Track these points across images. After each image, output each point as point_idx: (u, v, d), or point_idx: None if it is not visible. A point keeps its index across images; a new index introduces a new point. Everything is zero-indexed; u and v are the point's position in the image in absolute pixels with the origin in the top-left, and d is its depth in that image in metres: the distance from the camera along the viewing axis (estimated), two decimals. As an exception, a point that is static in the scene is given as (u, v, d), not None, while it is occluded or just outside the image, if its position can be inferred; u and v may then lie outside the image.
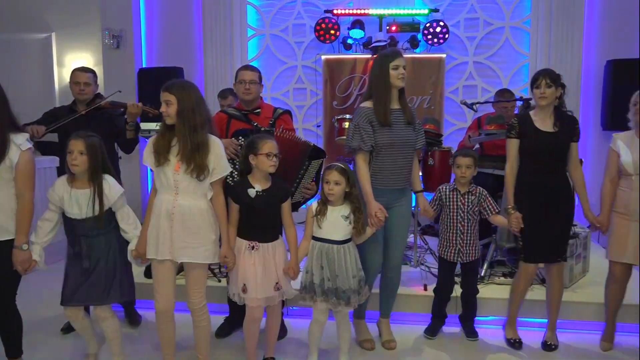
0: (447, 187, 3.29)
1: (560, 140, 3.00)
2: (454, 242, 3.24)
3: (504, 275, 3.84)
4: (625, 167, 2.97)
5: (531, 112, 3.11)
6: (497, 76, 5.89)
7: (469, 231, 3.22)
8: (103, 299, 2.68)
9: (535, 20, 5.75)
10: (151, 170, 2.67)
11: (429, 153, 4.10)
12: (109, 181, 2.67)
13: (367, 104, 2.95)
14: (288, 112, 3.38)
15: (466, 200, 3.21)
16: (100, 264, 2.65)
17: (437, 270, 3.93)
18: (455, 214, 3.23)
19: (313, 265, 2.80)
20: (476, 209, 3.22)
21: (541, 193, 3.02)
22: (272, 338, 2.95)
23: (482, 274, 3.79)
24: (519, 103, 4.04)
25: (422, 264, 4.18)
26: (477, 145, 4.50)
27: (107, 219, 2.65)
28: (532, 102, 3.85)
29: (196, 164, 2.51)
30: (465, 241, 3.22)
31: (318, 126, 5.99)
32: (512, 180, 3.09)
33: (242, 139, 3.04)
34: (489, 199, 3.22)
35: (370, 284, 3.07)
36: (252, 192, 2.67)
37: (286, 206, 2.78)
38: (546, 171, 3.02)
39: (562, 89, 3.03)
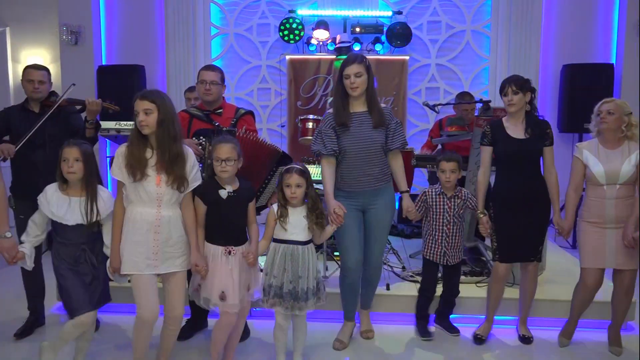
0: (434, 190, 3.32)
1: (531, 147, 3.06)
2: (440, 244, 3.28)
3: (464, 273, 3.91)
4: (596, 178, 2.99)
5: (503, 119, 3.17)
6: (459, 79, 6.00)
7: (455, 234, 3.28)
8: (106, 300, 2.78)
9: (495, 25, 5.89)
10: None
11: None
12: (102, 195, 2.69)
13: (332, 108, 3.01)
14: (250, 113, 3.36)
15: (452, 203, 3.26)
16: (100, 266, 2.70)
17: (400, 270, 4.01)
18: (441, 217, 3.27)
19: (275, 268, 2.78)
20: (462, 211, 3.28)
21: (517, 196, 3.08)
22: (235, 341, 2.92)
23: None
24: (479, 105, 4.12)
25: (385, 264, 4.22)
26: (440, 147, 4.59)
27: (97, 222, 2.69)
28: (492, 104, 3.97)
29: (176, 175, 2.51)
30: (450, 244, 3.27)
31: (282, 126, 5.98)
32: (484, 186, 3.18)
33: (203, 139, 3.01)
34: (474, 200, 3.28)
35: (352, 285, 3.13)
36: (223, 193, 2.65)
37: (251, 205, 2.79)
38: (521, 176, 3.09)
39: (532, 94, 3.08)
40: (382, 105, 3.07)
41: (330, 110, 3.02)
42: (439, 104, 4.40)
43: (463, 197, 3.27)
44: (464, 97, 4.57)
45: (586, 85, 5.43)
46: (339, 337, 3.25)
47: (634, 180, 2.95)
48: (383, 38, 5.79)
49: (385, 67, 5.78)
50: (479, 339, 3.28)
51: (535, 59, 5.75)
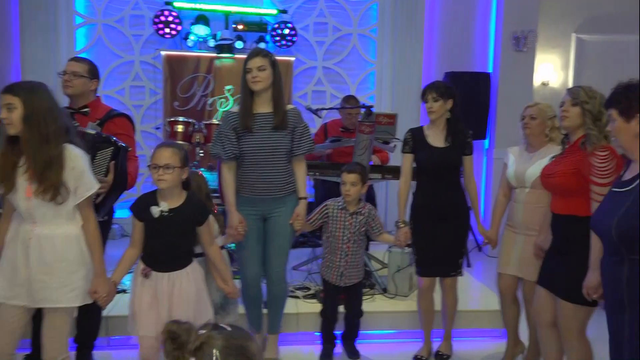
0: (336, 204, 3.02)
1: (451, 156, 2.95)
2: (337, 264, 2.99)
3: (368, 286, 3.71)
4: (508, 180, 2.93)
5: (424, 127, 3.03)
6: (345, 82, 5.88)
7: (355, 253, 3.00)
8: None
9: (381, 29, 5.84)
10: None
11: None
12: None
13: (235, 107, 2.84)
14: (125, 116, 2.91)
15: (354, 220, 2.98)
16: None
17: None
18: (341, 234, 2.98)
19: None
20: (363, 229, 3.01)
21: (436, 208, 2.95)
22: None
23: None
24: (362, 110, 3.96)
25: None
26: (326, 152, 4.39)
27: None
28: (374, 110, 3.83)
29: (49, 183, 2.02)
30: (349, 263, 2.99)
31: (157, 128, 5.45)
32: (405, 195, 3.04)
33: None
34: (377, 217, 3.05)
35: (254, 297, 2.93)
36: (155, 211, 2.27)
37: (205, 227, 2.42)
38: (440, 186, 2.96)
39: (454, 100, 2.93)
40: (290, 106, 2.85)
41: (233, 108, 2.83)
42: (322, 108, 4.21)
43: (366, 214, 3.01)
44: (349, 101, 4.41)
45: (467, 93, 5.52)
46: (269, 355, 2.99)
47: None
48: (268, 37, 5.52)
49: (270, 68, 5.49)
50: None
51: (419, 65, 5.78)
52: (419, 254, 3.04)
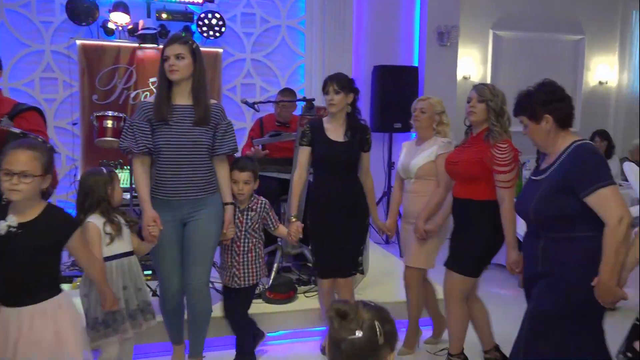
0: None
1: (349, 151, 2.88)
2: (228, 264, 2.81)
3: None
4: (398, 171, 3.06)
5: (324, 119, 2.93)
6: (275, 75, 5.74)
7: (246, 252, 2.81)
8: None
9: (309, 22, 5.74)
10: None
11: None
12: None
13: (153, 99, 2.56)
14: (36, 109, 2.62)
15: (245, 217, 2.81)
16: None
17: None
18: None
19: (116, 290, 2.33)
20: (257, 225, 2.85)
21: (334, 204, 2.86)
22: None
23: (270, 284, 3.50)
24: (302, 103, 3.87)
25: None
26: (260, 147, 4.24)
27: None
28: (315, 102, 3.75)
29: None
30: (242, 263, 2.80)
31: (74, 124, 5.01)
32: (299, 188, 2.93)
33: None
34: (272, 211, 2.90)
35: (175, 309, 2.69)
36: (1, 228, 1.85)
37: (76, 244, 2.04)
38: (339, 181, 2.88)
39: (355, 95, 2.88)
40: (213, 101, 2.64)
41: (148, 99, 2.59)
42: (259, 102, 4.06)
43: (259, 210, 2.85)
44: (285, 94, 4.29)
45: (395, 87, 5.62)
46: None
47: (434, 176, 2.93)
48: (194, 27, 5.23)
49: (196, 60, 5.22)
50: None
51: (348, 59, 5.74)
52: (316, 254, 2.97)
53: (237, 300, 2.86)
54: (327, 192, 2.88)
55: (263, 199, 2.90)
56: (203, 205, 2.59)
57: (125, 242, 2.43)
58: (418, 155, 2.97)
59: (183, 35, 2.64)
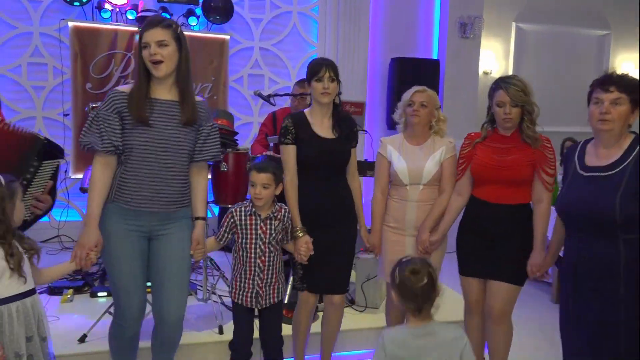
0: (243, 209, 2.42)
1: (343, 149, 2.54)
2: (250, 283, 2.41)
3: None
4: (399, 177, 2.65)
5: (306, 112, 2.55)
6: (285, 66, 5.35)
7: (271, 267, 2.43)
8: None
9: (323, 9, 5.36)
10: None
11: (222, 156, 3.26)
12: None
13: (126, 87, 2.14)
14: None
15: (268, 227, 2.40)
16: None
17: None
18: (253, 245, 2.39)
19: (16, 344, 1.85)
20: (280, 236, 2.45)
21: (325, 212, 2.50)
22: None
23: (287, 300, 3.11)
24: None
25: (214, 293, 3.33)
26: (272, 145, 3.83)
27: None
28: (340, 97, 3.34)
29: None
30: (265, 281, 2.42)
31: (66, 115, 4.63)
32: (294, 194, 2.49)
33: None
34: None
35: (133, 339, 2.30)
36: None
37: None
38: (329, 184, 2.52)
39: (339, 84, 2.52)
40: (198, 99, 2.22)
41: (123, 87, 2.13)
42: (275, 95, 3.64)
43: (281, 218, 2.45)
44: (304, 85, 3.84)
45: (414, 81, 5.20)
46: None
47: (438, 181, 2.65)
48: (198, 11, 4.85)
49: (201, 47, 4.82)
50: None
51: (364, 50, 5.38)
52: (306, 267, 2.54)
53: (266, 321, 2.50)
54: (317, 199, 2.50)
55: (285, 206, 2.51)
56: (174, 219, 2.20)
57: (26, 277, 1.88)
58: (428, 158, 2.64)
59: (164, 17, 2.18)
